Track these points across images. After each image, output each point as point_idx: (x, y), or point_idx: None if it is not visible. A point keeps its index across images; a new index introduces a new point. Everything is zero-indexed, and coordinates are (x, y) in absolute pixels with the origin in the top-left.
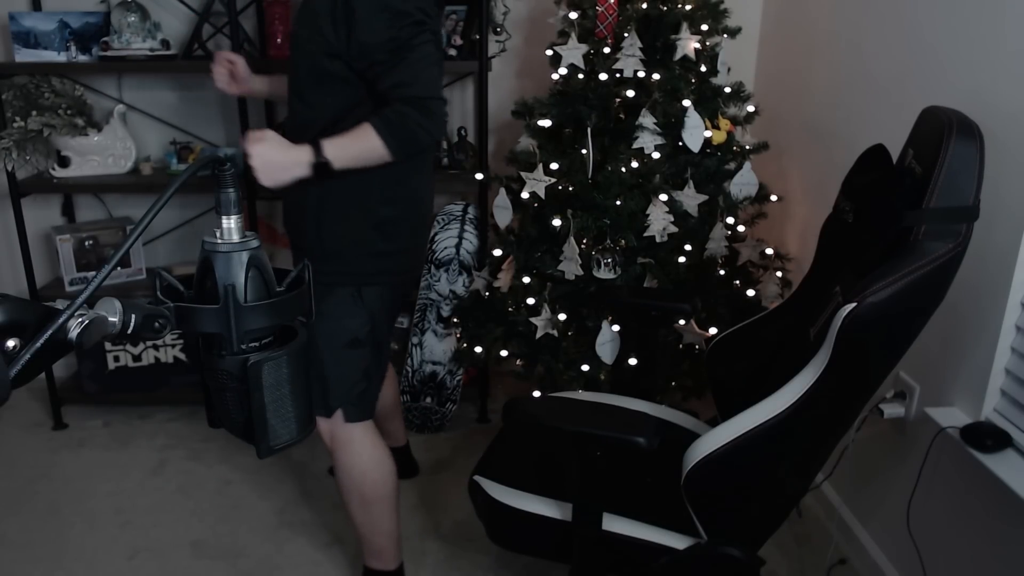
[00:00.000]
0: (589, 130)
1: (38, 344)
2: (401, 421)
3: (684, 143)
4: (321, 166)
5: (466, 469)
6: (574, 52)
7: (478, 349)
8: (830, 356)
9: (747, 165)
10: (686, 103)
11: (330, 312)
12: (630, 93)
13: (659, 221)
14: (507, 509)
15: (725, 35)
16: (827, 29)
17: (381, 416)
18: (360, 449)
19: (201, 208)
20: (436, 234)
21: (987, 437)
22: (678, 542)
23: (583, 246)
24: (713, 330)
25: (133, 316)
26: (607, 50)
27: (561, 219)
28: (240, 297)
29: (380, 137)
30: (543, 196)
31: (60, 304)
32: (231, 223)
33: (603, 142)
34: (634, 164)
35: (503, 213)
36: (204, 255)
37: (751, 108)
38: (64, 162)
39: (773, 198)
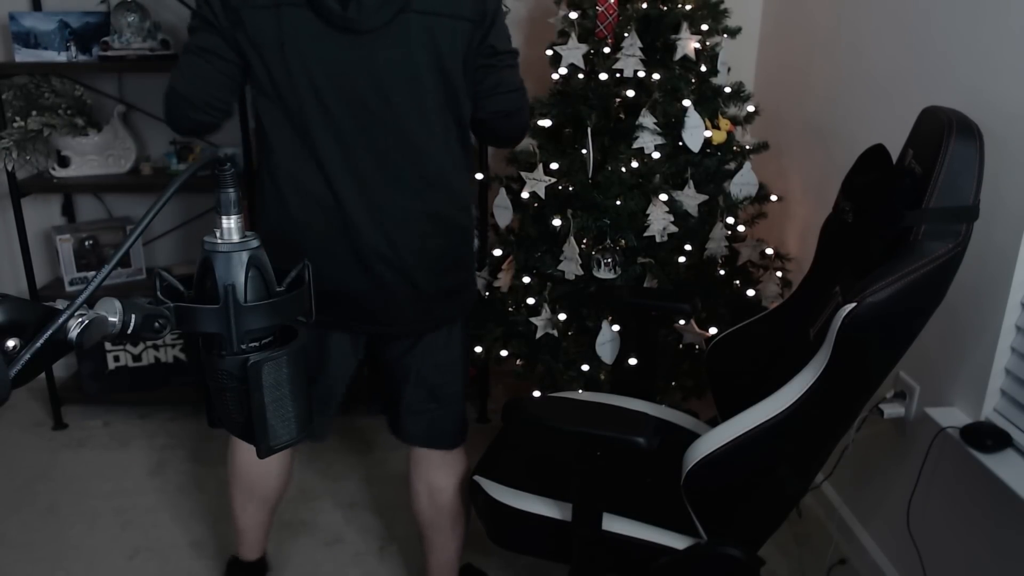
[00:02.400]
0: (589, 130)
1: (38, 344)
2: (452, 539)
3: (684, 143)
4: None
5: None
6: (574, 52)
7: (478, 349)
8: (830, 356)
9: (747, 165)
10: (686, 103)
11: None
12: (630, 93)
13: (659, 221)
14: (507, 509)
15: (725, 35)
16: (827, 29)
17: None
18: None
19: (201, 208)
20: None
21: (987, 437)
22: (678, 542)
23: (583, 246)
24: (713, 330)
25: (133, 316)
26: (607, 50)
27: (561, 219)
28: (240, 297)
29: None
30: (543, 196)
31: (60, 304)
32: (231, 223)
33: (603, 142)
34: (634, 164)
35: (503, 213)
36: (204, 255)
37: (751, 108)
38: (64, 162)
39: (773, 198)
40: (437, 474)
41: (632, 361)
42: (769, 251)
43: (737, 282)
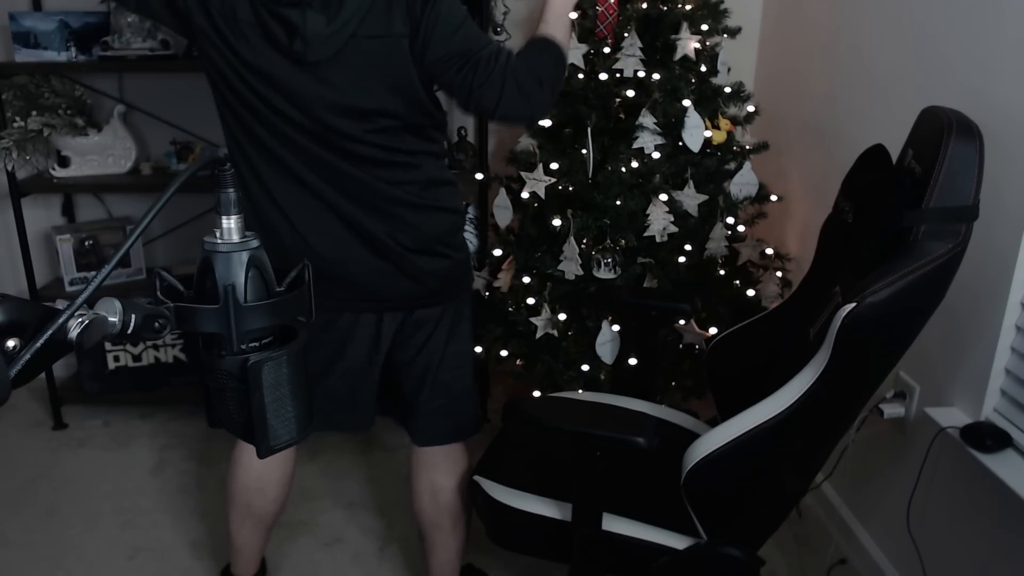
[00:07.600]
0: (589, 130)
1: (38, 344)
2: (453, 538)
3: (684, 143)
4: None
5: None
6: (574, 52)
7: (478, 349)
8: (830, 356)
9: (747, 165)
10: (686, 103)
11: None
12: (630, 93)
13: (659, 221)
14: (507, 509)
15: (725, 35)
16: (827, 29)
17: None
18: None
19: (201, 208)
20: None
21: (987, 437)
22: (678, 542)
23: (583, 246)
24: (713, 330)
25: (133, 316)
26: (607, 50)
27: (561, 219)
28: (240, 297)
29: None
30: (543, 196)
31: (60, 304)
32: (231, 223)
33: (603, 142)
34: (634, 164)
35: (503, 213)
36: (204, 255)
37: (751, 108)
38: (64, 162)
39: (773, 198)
40: (439, 473)
41: (632, 361)
42: (769, 251)
43: (737, 282)
